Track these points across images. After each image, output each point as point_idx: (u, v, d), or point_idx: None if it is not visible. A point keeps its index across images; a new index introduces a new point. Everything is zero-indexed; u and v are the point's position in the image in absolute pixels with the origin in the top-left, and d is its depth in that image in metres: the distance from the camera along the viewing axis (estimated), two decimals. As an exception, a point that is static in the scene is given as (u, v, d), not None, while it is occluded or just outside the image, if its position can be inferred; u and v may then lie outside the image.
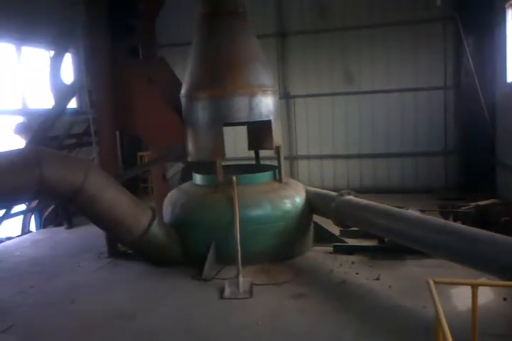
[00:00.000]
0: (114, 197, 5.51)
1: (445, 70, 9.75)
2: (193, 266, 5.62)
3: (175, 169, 7.78)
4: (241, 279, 4.97)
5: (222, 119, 6.09)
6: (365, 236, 6.17)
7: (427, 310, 4.09)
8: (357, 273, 5.22)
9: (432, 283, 2.71)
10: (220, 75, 6.08)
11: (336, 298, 4.62)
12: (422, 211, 5.77)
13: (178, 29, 10.37)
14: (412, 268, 5.29)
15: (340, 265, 5.53)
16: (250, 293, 4.81)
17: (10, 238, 7.97)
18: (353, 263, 5.57)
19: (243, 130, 7.26)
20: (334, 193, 5.81)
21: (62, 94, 7.25)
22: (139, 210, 5.70)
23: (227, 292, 4.82)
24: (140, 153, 11.19)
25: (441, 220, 4.97)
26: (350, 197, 5.58)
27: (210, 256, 5.51)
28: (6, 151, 5.28)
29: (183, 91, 6.44)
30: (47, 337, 3.89)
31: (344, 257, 5.76)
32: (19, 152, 5.55)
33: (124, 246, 6.24)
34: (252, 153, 7.33)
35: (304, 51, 10.65)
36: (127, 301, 4.85)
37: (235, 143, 9.45)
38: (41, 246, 7.26)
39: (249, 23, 6.47)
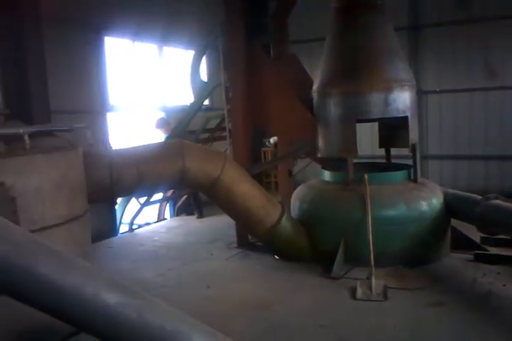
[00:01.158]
0: (248, 190, 5.71)
1: None
2: (319, 262, 5.59)
3: (301, 165, 7.83)
4: (374, 281, 4.81)
5: (355, 115, 5.94)
6: (510, 244, 5.61)
7: None
8: (504, 285, 4.75)
9: None
10: (355, 70, 5.94)
11: (481, 310, 4.25)
12: None
13: (306, 25, 10.37)
14: None
15: (484, 275, 5.07)
16: (384, 296, 4.64)
17: (148, 224, 8.68)
18: (498, 273, 5.08)
19: (368, 126, 7.01)
20: (478, 197, 5.35)
21: (201, 91, 7.69)
22: (270, 204, 5.83)
23: (359, 293, 4.70)
24: (264, 149, 11.44)
25: None
26: (499, 201, 5.09)
27: (340, 254, 5.43)
28: (153, 143, 5.75)
29: (315, 86, 6.41)
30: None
31: (487, 266, 5.27)
32: (165, 144, 6.00)
33: (254, 237, 6.42)
34: (376, 151, 7.07)
35: (439, 44, 10.01)
36: (259, 292, 4.97)
37: (360, 140, 9.18)
38: (176, 233, 7.79)
39: (386, 15, 6.24)
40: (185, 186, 6.33)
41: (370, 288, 4.75)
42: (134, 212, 8.14)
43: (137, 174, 5.22)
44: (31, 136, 3.97)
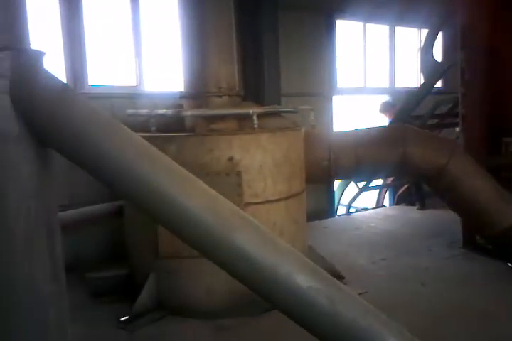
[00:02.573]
0: (478, 184, 5.04)
1: None
2: None
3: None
4: None
5: None
6: None
7: None
8: None
9: None
10: None
11: None
12: None
13: None
14: None
15: None
16: None
17: (366, 209, 8.58)
18: None
19: None
20: None
21: (433, 72, 7.06)
22: (506, 202, 5.03)
23: None
24: (505, 139, 9.92)
25: None
26: None
27: None
28: (374, 127, 5.56)
29: None
30: (398, 313, 3.88)
31: None
32: (386, 128, 5.75)
33: (483, 238, 5.66)
34: None
35: None
36: (483, 301, 4.33)
37: None
38: (393, 222, 7.47)
39: None
40: (405, 174, 5.98)
41: None
42: (352, 196, 8.12)
43: (355, 157, 5.14)
44: (260, 116, 4.27)
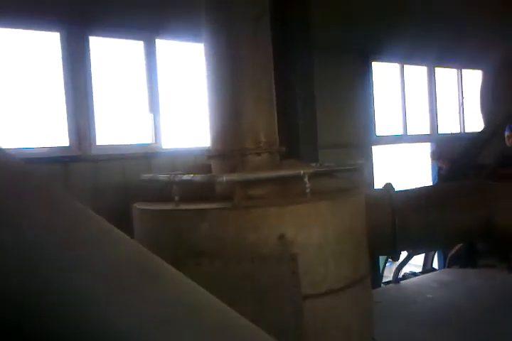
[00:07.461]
0: None
1: None
2: None
3: None
4: None
5: None
6: None
7: None
8: None
9: None
10: None
11: None
12: None
13: None
14: None
15: None
16: None
17: (414, 273, 7.42)
18: None
19: None
20: None
21: (495, 117, 6.19)
22: None
23: None
24: None
25: None
26: None
27: None
28: (446, 184, 4.64)
29: None
30: None
31: None
32: (460, 185, 4.77)
33: None
34: None
35: None
36: None
37: None
38: (453, 292, 6.25)
39: None
40: (492, 244, 4.95)
41: None
42: (401, 260, 6.98)
43: (425, 223, 4.15)
44: (310, 177, 3.32)
